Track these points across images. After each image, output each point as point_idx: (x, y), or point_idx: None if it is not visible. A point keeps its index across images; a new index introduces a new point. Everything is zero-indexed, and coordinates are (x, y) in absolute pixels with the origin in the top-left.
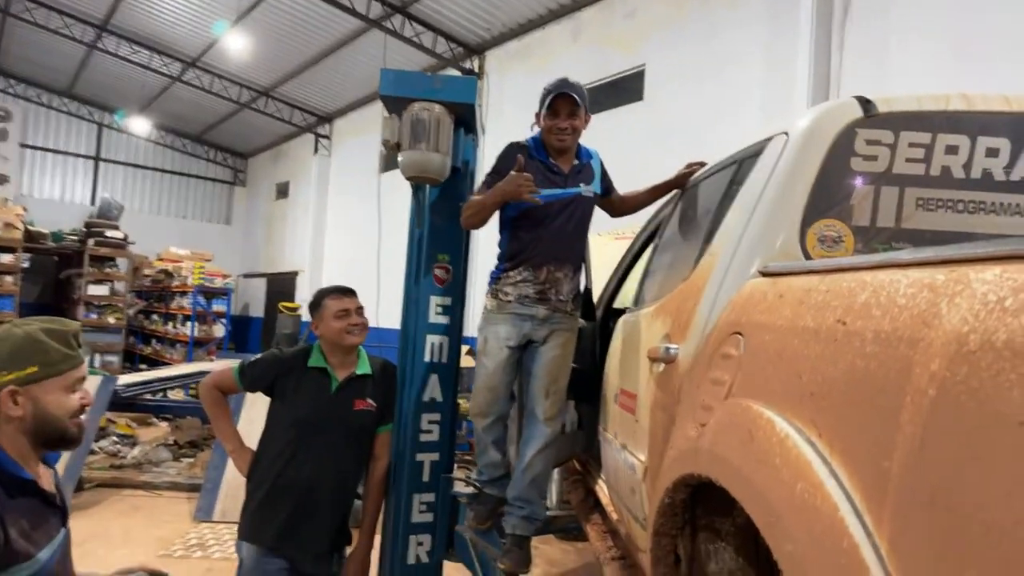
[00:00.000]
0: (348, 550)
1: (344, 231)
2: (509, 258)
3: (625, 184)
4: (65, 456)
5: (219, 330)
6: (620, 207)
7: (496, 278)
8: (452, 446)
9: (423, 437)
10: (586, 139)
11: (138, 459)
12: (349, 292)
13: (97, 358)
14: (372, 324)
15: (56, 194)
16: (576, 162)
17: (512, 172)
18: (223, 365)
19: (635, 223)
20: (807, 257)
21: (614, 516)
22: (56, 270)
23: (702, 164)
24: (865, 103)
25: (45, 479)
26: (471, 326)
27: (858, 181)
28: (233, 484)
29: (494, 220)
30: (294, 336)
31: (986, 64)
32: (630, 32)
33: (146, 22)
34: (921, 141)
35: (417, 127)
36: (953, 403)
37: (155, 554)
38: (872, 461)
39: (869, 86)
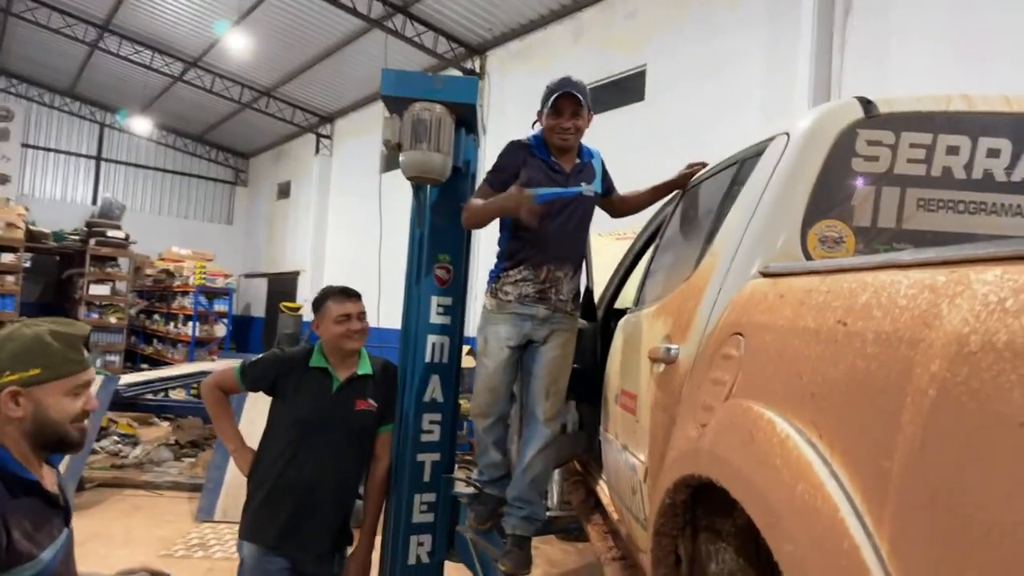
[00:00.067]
0: (349, 550)
1: (345, 231)
2: (509, 257)
3: (626, 184)
4: (67, 456)
5: (220, 330)
6: (621, 207)
7: (496, 277)
8: (453, 446)
9: (424, 437)
10: (587, 139)
11: (139, 459)
12: (352, 296)
13: (98, 358)
14: (373, 324)
15: (58, 194)
16: (577, 161)
17: (514, 188)
18: (224, 365)
19: (636, 223)
20: (808, 258)
21: (615, 516)
22: (58, 270)
23: (703, 164)
24: (866, 104)
25: (48, 479)
26: (472, 326)
27: (859, 182)
28: (234, 484)
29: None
30: (295, 336)
31: (987, 64)
32: (631, 32)
33: (148, 22)
34: (922, 142)
35: (418, 127)
36: (954, 404)
37: (156, 554)
38: (873, 462)
39: (870, 86)
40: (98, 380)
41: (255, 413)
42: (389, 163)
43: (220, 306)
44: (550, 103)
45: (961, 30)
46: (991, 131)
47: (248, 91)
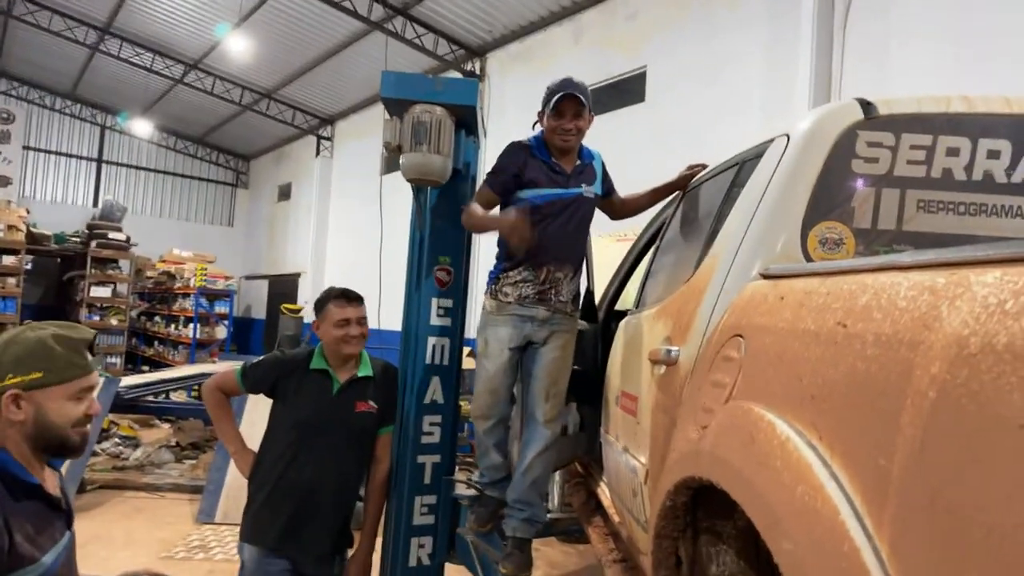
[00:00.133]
0: (350, 552)
1: (346, 233)
2: (508, 258)
3: (627, 185)
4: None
5: (221, 332)
6: (621, 209)
7: (495, 278)
8: (453, 448)
9: (424, 439)
10: (588, 140)
11: (140, 461)
12: (354, 300)
13: (102, 362)
14: (373, 326)
15: (59, 196)
16: (578, 162)
17: (516, 215)
18: (225, 367)
19: (636, 225)
20: (808, 259)
21: (616, 518)
22: (59, 272)
23: (703, 166)
24: (866, 105)
25: (50, 482)
26: (473, 328)
27: (859, 183)
28: (235, 486)
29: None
30: (296, 338)
31: (987, 64)
32: (631, 34)
33: (148, 24)
34: (922, 143)
35: (418, 129)
36: (953, 406)
37: (157, 556)
38: (873, 464)
39: (870, 87)
40: (99, 382)
41: (256, 415)
42: (390, 165)
43: (221, 308)
44: (552, 104)
45: (961, 30)
46: (991, 132)
47: (249, 93)
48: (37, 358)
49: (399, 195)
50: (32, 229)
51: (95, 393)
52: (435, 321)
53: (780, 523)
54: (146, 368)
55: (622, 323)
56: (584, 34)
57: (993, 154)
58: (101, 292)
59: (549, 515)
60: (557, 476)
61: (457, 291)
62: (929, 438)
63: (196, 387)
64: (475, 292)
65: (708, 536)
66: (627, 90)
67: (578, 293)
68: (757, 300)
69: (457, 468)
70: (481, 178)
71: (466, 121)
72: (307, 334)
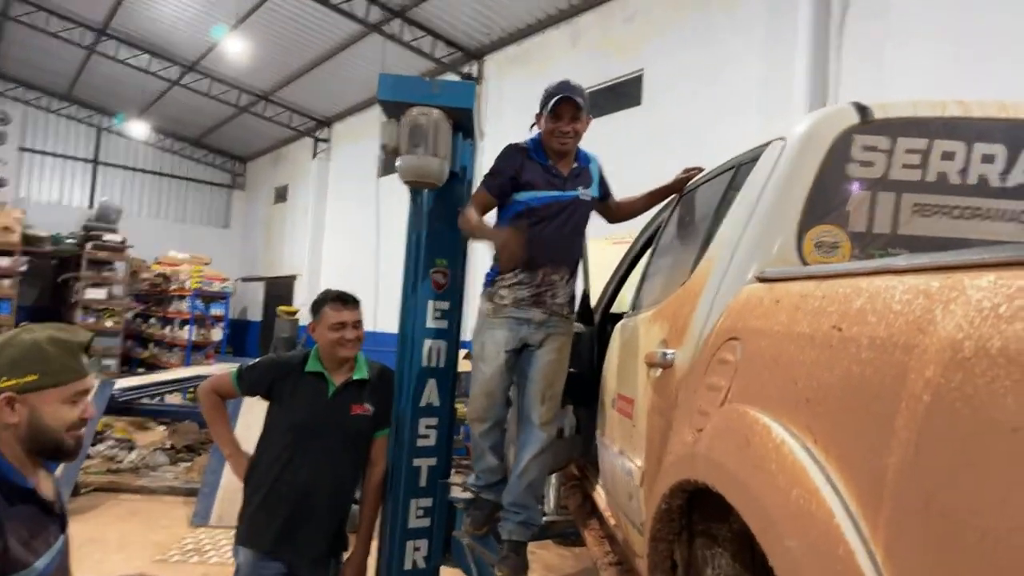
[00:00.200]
0: (345, 555)
1: (343, 235)
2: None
3: (624, 188)
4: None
5: (217, 334)
6: (617, 213)
7: (491, 281)
8: (449, 451)
9: (420, 442)
10: (585, 143)
11: (135, 463)
12: (350, 303)
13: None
14: (370, 328)
15: (54, 197)
16: (575, 165)
17: (511, 234)
18: (221, 369)
19: (633, 228)
20: (804, 263)
21: (612, 521)
22: (54, 274)
23: (700, 169)
24: (861, 109)
25: (45, 486)
26: (469, 330)
27: (855, 187)
28: (230, 488)
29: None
30: (292, 340)
31: (985, 66)
32: (629, 37)
33: (145, 26)
34: (917, 147)
35: (415, 132)
36: (948, 409)
37: (151, 559)
38: (867, 467)
39: (868, 88)
40: (95, 385)
41: (251, 418)
42: (386, 167)
43: (217, 310)
44: (549, 107)
45: (959, 32)
46: (986, 137)
47: (246, 95)
48: (32, 361)
49: (396, 197)
50: (27, 230)
51: (90, 396)
52: (431, 323)
53: (775, 526)
54: (141, 370)
55: (618, 326)
56: (581, 37)
57: (988, 158)
58: (96, 294)
59: (545, 518)
60: (553, 479)
61: (454, 293)
62: (924, 441)
63: (191, 389)
64: (471, 295)
65: (704, 539)
66: (624, 93)
67: (574, 296)
68: (753, 303)
69: (453, 471)
70: (478, 180)
71: (463, 124)
72: (303, 336)
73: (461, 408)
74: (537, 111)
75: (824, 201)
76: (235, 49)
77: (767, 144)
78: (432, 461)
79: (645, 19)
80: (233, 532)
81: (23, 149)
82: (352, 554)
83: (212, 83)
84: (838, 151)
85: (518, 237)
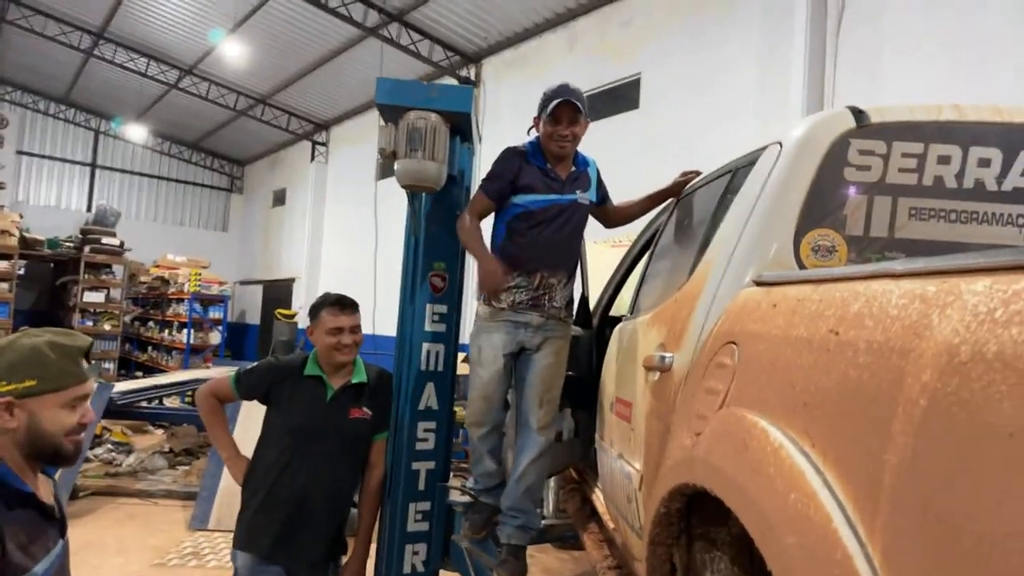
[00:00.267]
0: (344, 559)
1: (341, 238)
2: (502, 263)
3: (621, 191)
4: None
5: (215, 337)
6: (615, 217)
7: None
8: (448, 454)
9: (419, 445)
10: (582, 146)
11: (133, 467)
12: (348, 308)
13: (98, 370)
14: (368, 331)
15: (52, 201)
16: (573, 169)
17: (498, 268)
18: (219, 372)
19: (631, 231)
20: (801, 266)
21: (611, 525)
22: (52, 277)
23: (697, 172)
24: (858, 113)
25: (44, 490)
26: (467, 334)
27: (851, 191)
28: (228, 492)
29: (489, 224)
30: (290, 343)
31: (980, 73)
32: (626, 41)
33: (143, 29)
34: (913, 151)
35: (413, 136)
36: (944, 414)
37: (150, 563)
38: (865, 471)
39: (863, 94)
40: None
41: (250, 421)
42: (385, 170)
43: (215, 313)
44: (548, 110)
45: (955, 38)
46: (982, 141)
47: (244, 98)
48: (31, 365)
49: (394, 200)
50: (25, 234)
51: (90, 401)
52: (430, 327)
53: (773, 530)
54: (139, 374)
55: (617, 329)
56: (578, 41)
57: (984, 162)
58: (94, 297)
59: (544, 521)
60: (552, 482)
61: (452, 297)
62: (920, 446)
63: (190, 393)
64: (469, 298)
65: (702, 543)
66: (621, 97)
67: (572, 299)
68: (750, 307)
69: (452, 474)
70: (476, 184)
71: (461, 128)
72: (301, 339)
73: (460, 412)
74: (535, 114)
75: (821, 205)
76: (233, 53)
77: (764, 148)
78: (431, 465)
79: (642, 24)
80: (231, 536)
81: (21, 152)
82: (351, 558)
83: (210, 86)
84: (835, 155)
85: (503, 274)
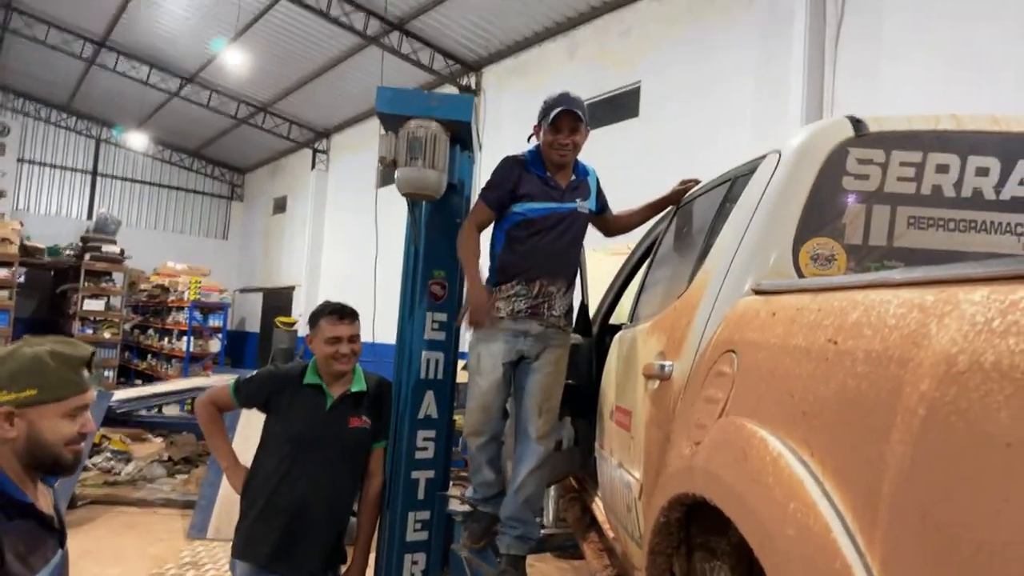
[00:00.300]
0: (343, 568)
1: (341, 246)
2: (501, 271)
3: (620, 199)
4: None
5: (215, 345)
6: (614, 226)
7: (488, 292)
8: (447, 463)
9: (418, 454)
10: (581, 155)
11: (132, 475)
12: (347, 317)
13: (100, 379)
14: (368, 339)
15: (53, 209)
16: (573, 178)
17: (486, 299)
18: (219, 380)
19: (631, 239)
20: (800, 275)
21: (610, 534)
22: (52, 285)
23: (696, 181)
24: (856, 122)
25: (43, 500)
26: (467, 342)
27: (850, 199)
28: (227, 501)
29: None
30: (290, 351)
31: (977, 85)
32: (625, 50)
33: (145, 38)
34: (912, 160)
35: (413, 144)
36: (942, 423)
37: (148, 572)
38: (864, 481)
39: (862, 103)
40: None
41: (249, 430)
42: (385, 178)
43: (215, 321)
44: (549, 119)
45: (952, 50)
46: (979, 150)
47: (245, 107)
48: (32, 375)
49: (394, 208)
50: (26, 242)
51: (90, 410)
52: (429, 335)
53: (773, 540)
54: (139, 382)
55: (616, 337)
56: (578, 50)
57: (982, 171)
58: (94, 305)
59: (544, 530)
60: (552, 491)
61: (451, 305)
62: (919, 455)
63: (189, 401)
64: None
65: (702, 552)
66: (621, 105)
67: (571, 307)
68: (749, 316)
69: (451, 483)
70: (476, 192)
71: (461, 136)
72: (301, 347)
73: (459, 420)
74: (535, 122)
75: (820, 214)
76: (234, 61)
77: (763, 157)
78: (430, 473)
79: (641, 33)
80: (230, 545)
81: (22, 160)
82: (350, 567)
83: (211, 95)
84: (833, 164)
85: (489, 309)
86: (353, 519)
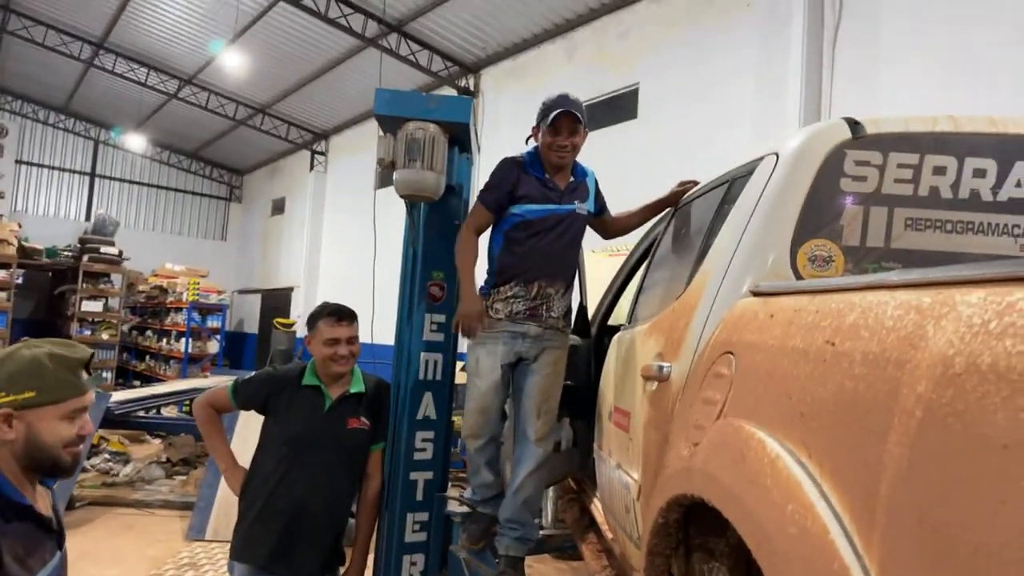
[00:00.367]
0: (341, 570)
1: (339, 247)
2: (499, 273)
3: (619, 200)
4: None
5: (213, 346)
6: (612, 228)
7: (486, 294)
8: (446, 464)
9: (417, 455)
10: (580, 156)
11: (130, 477)
12: (345, 319)
13: (99, 381)
14: (367, 340)
15: (51, 210)
16: (572, 179)
17: (474, 312)
18: (217, 381)
19: (629, 240)
20: (798, 277)
21: (609, 535)
22: (50, 286)
23: (695, 182)
24: (854, 124)
25: (42, 502)
26: (465, 343)
27: (847, 201)
28: (226, 502)
29: (485, 236)
30: (289, 352)
31: (974, 89)
32: (623, 52)
33: (144, 40)
34: (909, 162)
35: (412, 146)
36: (939, 425)
37: (146, 574)
38: (861, 482)
39: (860, 106)
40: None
41: (248, 431)
42: (383, 180)
43: (213, 322)
44: (548, 120)
45: (950, 51)
46: (977, 151)
47: (243, 108)
48: (30, 377)
49: (393, 209)
50: (24, 243)
51: (89, 412)
52: (428, 336)
53: (771, 541)
54: (137, 383)
55: (615, 338)
56: (577, 51)
57: (979, 173)
58: (92, 306)
59: (542, 531)
60: (551, 492)
61: (450, 306)
62: (916, 457)
63: (187, 402)
64: None
65: (701, 553)
66: (620, 107)
67: (570, 309)
68: (747, 317)
69: (450, 484)
70: (474, 194)
71: (459, 138)
72: (300, 348)
73: (458, 421)
74: (534, 124)
75: (817, 215)
76: (233, 63)
77: (761, 159)
78: (429, 475)
79: (639, 35)
80: (228, 547)
81: (20, 162)
82: (348, 568)
83: (210, 96)
84: (831, 166)
85: (480, 319)
86: (352, 520)
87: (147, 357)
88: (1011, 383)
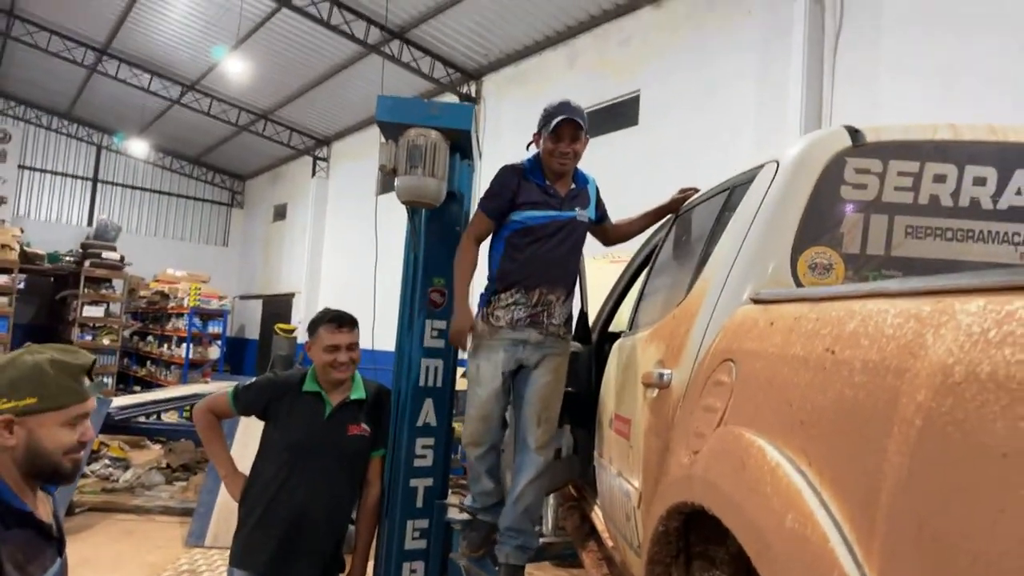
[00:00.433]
0: None
1: (341, 253)
2: (500, 279)
3: (620, 207)
4: None
5: (214, 352)
6: (613, 235)
7: (487, 301)
8: (446, 471)
9: (417, 462)
10: (581, 163)
11: (130, 483)
12: (345, 325)
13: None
14: (367, 347)
15: (53, 215)
16: (573, 186)
17: (465, 326)
18: (218, 387)
19: (630, 247)
20: (798, 284)
21: (609, 543)
22: (52, 291)
23: (695, 189)
24: (854, 132)
25: (42, 509)
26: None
27: (848, 209)
28: (226, 508)
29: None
30: (290, 358)
31: (974, 97)
32: (625, 59)
33: (147, 46)
34: (909, 170)
35: (413, 153)
36: (939, 434)
37: None
38: (861, 491)
39: (861, 114)
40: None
41: (248, 437)
42: (385, 186)
43: (214, 328)
44: (550, 127)
45: (950, 59)
46: (977, 159)
47: (245, 114)
48: (32, 383)
49: (394, 216)
50: (26, 248)
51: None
52: (428, 343)
53: (770, 549)
54: (138, 388)
55: (615, 345)
56: (578, 58)
57: (979, 181)
58: (94, 312)
59: (543, 539)
60: (551, 499)
61: (451, 313)
62: (916, 466)
63: (188, 408)
64: None
65: (701, 561)
66: (621, 114)
67: (570, 316)
68: (748, 325)
69: (450, 492)
70: (475, 201)
71: (461, 144)
72: (301, 354)
73: (458, 428)
74: (535, 130)
75: (818, 223)
76: (235, 69)
77: (761, 166)
78: (429, 482)
79: (641, 42)
80: (228, 553)
81: (23, 167)
82: (348, 575)
83: (212, 102)
84: (831, 174)
85: (468, 334)
86: (351, 527)
87: (148, 362)
88: (1010, 392)
